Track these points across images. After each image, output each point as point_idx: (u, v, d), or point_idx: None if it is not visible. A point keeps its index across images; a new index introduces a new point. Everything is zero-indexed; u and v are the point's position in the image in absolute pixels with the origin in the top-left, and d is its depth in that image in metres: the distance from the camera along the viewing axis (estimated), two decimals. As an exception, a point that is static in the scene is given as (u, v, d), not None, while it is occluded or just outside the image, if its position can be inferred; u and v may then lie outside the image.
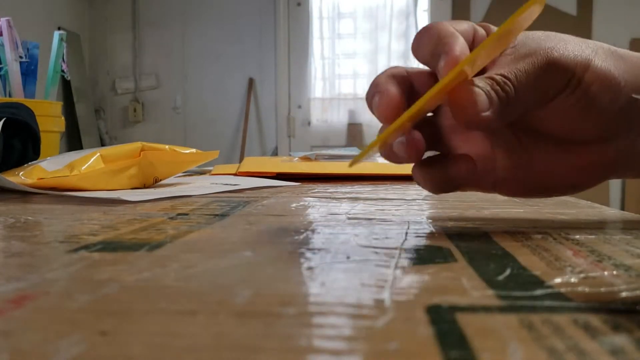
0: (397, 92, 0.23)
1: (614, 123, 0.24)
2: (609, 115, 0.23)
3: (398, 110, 0.23)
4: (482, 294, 0.15)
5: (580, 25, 2.39)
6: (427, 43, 0.23)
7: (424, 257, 0.19)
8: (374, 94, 0.24)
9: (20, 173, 0.45)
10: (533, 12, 0.21)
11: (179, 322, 0.12)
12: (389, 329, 0.12)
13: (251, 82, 2.87)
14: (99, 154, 0.44)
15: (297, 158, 0.72)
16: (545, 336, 0.11)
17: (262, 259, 0.19)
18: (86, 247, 0.21)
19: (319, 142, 2.85)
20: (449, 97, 0.22)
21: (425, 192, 0.43)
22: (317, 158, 0.70)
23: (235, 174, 0.61)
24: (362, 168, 0.61)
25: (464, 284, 0.15)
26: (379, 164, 0.65)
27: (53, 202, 0.37)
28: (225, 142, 2.89)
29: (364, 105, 2.83)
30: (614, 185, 2.45)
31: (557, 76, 0.22)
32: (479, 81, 0.22)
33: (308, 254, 0.19)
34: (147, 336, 0.11)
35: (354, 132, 2.82)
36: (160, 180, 0.49)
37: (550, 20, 2.28)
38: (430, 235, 0.23)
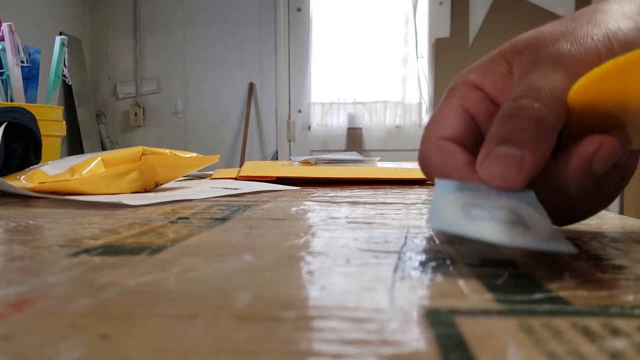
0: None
1: None
2: None
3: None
4: (481, 297, 0.15)
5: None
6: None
7: (423, 260, 0.19)
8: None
9: (22, 177, 0.45)
10: None
11: (180, 325, 0.12)
12: (388, 333, 0.12)
13: (251, 86, 2.88)
14: (100, 158, 0.44)
15: (297, 162, 0.72)
16: (545, 340, 0.11)
17: (262, 262, 0.19)
18: (87, 251, 0.21)
19: (319, 147, 2.85)
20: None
21: (424, 196, 0.43)
22: (317, 162, 0.70)
23: (235, 178, 0.61)
24: (362, 172, 0.61)
25: (463, 288, 0.15)
26: (380, 168, 0.65)
27: (54, 206, 0.37)
28: (226, 146, 2.89)
29: (363, 110, 2.84)
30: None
31: (573, 76, 0.20)
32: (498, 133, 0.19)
33: (308, 258, 0.20)
34: (148, 340, 0.12)
35: (353, 136, 2.83)
36: (161, 184, 0.49)
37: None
38: (429, 239, 0.23)
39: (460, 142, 0.22)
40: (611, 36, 0.21)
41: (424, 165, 0.23)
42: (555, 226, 0.18)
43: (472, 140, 0.23)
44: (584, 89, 0.19)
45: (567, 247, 0.17)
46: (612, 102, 0.19)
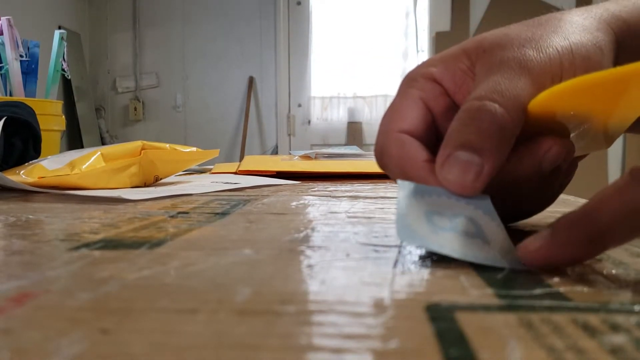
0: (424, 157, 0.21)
1: None
2: None
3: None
4: (481, 292, 0.15)
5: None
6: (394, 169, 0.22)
7: (423, 255, 0.19)
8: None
9: (21, 172, 0.45)
10: None
11: (180, 320, 0.12)
12: (388, 327, 0.12)
13: (251, 80, 2.87)
14: (99, 152, 0.44)
15: (297, 157, 0.72)
16: (545, 335, 0.11)
17: (262, 257, 0.19)
18: (87, 245, 0.21)
19: (319, 141, 2.85)
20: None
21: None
22: (317, 157, 0.70)
23: (235, 173, 0.61)
24: (362, 166, 0.61)
25: (463, 283, 0.15)
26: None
27: (54, 201, 0.37)
28: (226, 140, 2.89)
29: (363, 104, 2.83)
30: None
31: (537, 85, 0.21)
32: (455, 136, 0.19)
33: (308, 252, 0.20)
34: (148, 334, 0.12)
35: (353, 130, 2.83)
36: (161, 178, 0.49)
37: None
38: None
39: (419, 136, 0.22)
40: (574, 49, 0.21)
41: (381, 157, 0.23)
42: (509, 240, 0.19)
43: (430, 135, 0.23)
44: (544, 101, 0.20)
45: (523, 266, 0.17)
46: (566, 114, 0.20)
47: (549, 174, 0.21)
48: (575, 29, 0.22)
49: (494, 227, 0.19)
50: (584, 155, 0.25)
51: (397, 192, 0.20)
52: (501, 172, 0.20)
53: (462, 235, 0.18)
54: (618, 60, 0.23)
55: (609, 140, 0.22)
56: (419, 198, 0.19)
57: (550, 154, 0.20)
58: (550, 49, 0.21)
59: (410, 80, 0.24)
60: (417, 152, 0.21)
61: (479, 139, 0.19)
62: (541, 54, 0.21)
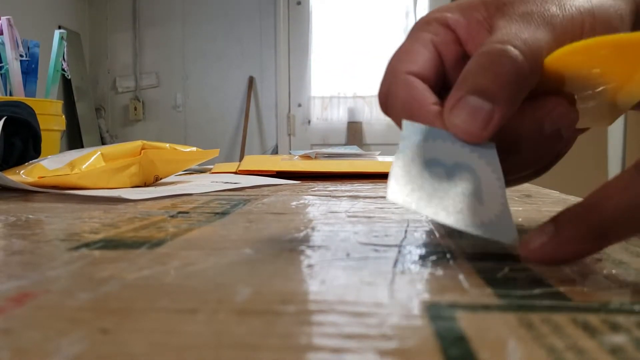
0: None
1: None
2: None
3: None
4: (481, 292, 0.15)
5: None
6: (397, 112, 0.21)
7: (423, 254, 0.19)
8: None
9: (21, 172, 0.45)
10: None
11: (180, 320, 0.12)
12: (388, 327, 0.12)
13: (251, 80, 2.87)
14: (99, 152, 0.44)
15: (297, 156, 0.72)
16: (545, 335, 0.11)
17: (262, 256, 0.19)
18: (87, 245, 0.21)
19: (319, 141, 2.85)
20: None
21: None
22: (317, 156, 0.70)
23: (235, 173, 0.61)
24: (362, 166, 0.61)
25: (463, 282, 0.15)
26: (380, 162, 0.65)
27: (54, 201, 0.37)
28: (226, 140, 2.89)
29: (363, 104, 2.83)
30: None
31: (557, 41, 0.20)
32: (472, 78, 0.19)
33: (308, 252, 0.20)
34: (148, 334, 0.12)
35: (353, 130, 2.83)
36: (161, 178, 0.49)
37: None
38: (429, 233, 0.23)
39: (427, 80, 0.21)
40: (596, 12, 0.21)
41: (385, 100, 0.22)
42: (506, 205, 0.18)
43: (438, 81, 0.22)
44: (563, 56, 0.19)
45: (509, 238, 0.17)
46: (580, 75, 0.20)
47: (549, 137, 0.20)
48: None
49: (493, 180, 0.18)
50: (584, 130, 0.24)
51: (400, 141, 0.19)
52: (503, 127, 0.19)
53: (458, 197, 0.18)
54: None
55: (614, 114, 0.22)
56: (422, 143, 0.19)
57: (555, 112, 0.20)
58: (574, 9, 0.20)
59: (423, 24, 0.23)
60: (426, 94, 0.21)
61: (494, 85, 0.18)
62: (564, 12, 0.20)
